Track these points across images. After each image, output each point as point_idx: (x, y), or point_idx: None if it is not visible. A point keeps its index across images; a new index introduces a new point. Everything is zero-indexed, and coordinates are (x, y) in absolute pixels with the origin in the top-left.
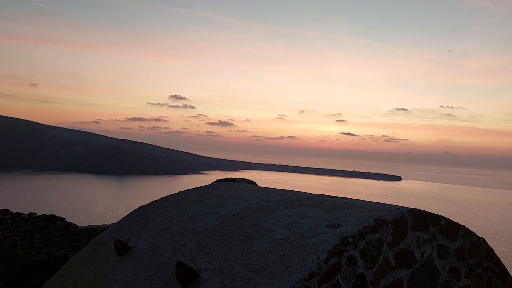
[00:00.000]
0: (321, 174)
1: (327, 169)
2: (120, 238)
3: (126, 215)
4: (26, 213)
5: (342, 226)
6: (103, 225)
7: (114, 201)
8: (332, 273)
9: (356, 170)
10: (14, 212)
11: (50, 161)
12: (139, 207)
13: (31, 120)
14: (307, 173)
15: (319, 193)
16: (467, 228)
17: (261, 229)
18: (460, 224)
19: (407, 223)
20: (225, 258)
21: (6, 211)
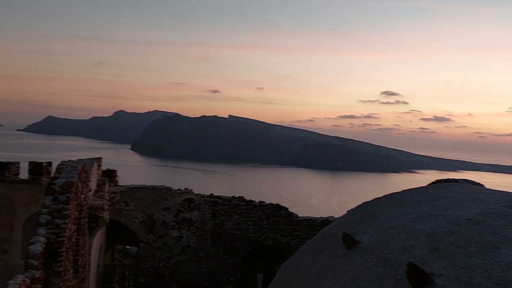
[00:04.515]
0: None
1: None
2: (347, 231)
3: (350, 210)
4: (257, 201)
5: None
6: (320, 217)
7: (327, 195)
8: None
9: None
10: (248, 199)
11: (273, 156)
12: (363, 203)
13: (258, 119)
14: None
15: None
16: None
17: (505, 238)
18: None
19: None
20: (462, 265)
21: (241, 199)
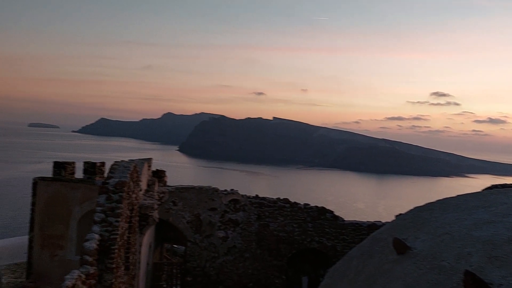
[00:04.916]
0: None
1: None
2: (397, 237)
3: (401, 215)
4: (302, 203)
5: None
6: (366, 221)
7: (373, 199)
8: None
9: None
10: (292, 202)
11: (317, 158)
12: (414, 207)
13: (302, 121)
14: None
15: None
16: None
17: None
18: None
19: None
20: None
21: (286, 200)
